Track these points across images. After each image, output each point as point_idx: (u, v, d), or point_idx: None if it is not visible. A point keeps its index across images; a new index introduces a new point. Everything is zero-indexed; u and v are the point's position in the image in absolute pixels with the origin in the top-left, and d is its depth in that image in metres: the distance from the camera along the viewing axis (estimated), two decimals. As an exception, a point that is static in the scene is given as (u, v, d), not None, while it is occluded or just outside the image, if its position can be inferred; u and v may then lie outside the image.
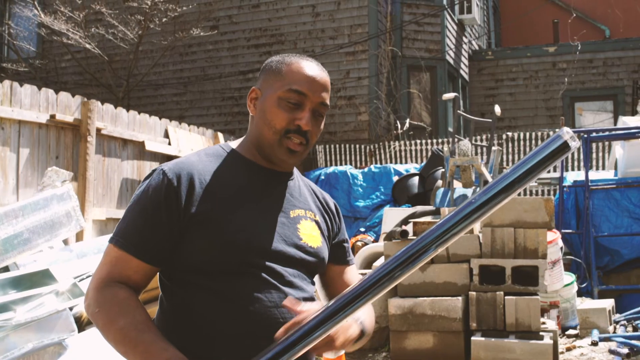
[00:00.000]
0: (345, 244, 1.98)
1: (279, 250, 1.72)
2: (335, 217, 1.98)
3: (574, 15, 16.83)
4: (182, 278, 1.69)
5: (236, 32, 13.50)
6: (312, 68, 1.77)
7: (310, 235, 1.81)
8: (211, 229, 1.66)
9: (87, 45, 11.24)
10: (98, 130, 7.36)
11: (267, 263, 1.69)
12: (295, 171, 1.89)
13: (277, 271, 1.70)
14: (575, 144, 1.36)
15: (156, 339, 1.55)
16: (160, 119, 8.75)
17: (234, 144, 1.85)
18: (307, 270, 1.80)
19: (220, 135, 9.84)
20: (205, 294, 1.65)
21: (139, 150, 8.21)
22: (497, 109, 7.39)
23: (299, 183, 1.89)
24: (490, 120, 7.74)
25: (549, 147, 1.37)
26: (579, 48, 14.50)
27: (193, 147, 9.16)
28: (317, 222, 1.86)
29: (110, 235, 1.75)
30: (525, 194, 10.44)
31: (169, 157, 8.69)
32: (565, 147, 1.35)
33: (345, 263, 1.95)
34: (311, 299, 1.77)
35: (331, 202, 1.99)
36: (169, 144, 8.70)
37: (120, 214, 7.83)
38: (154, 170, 1.74)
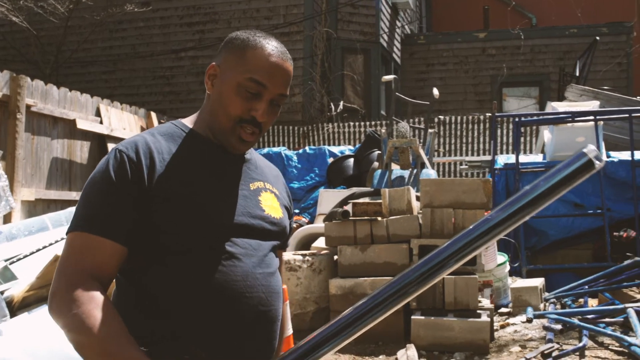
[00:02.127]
0: (290, 225, 1.97)
1: (243, 223, 1.70)
2: (288, 192, 1.99)
3: (503, 2, 17.21)
4: (143, 257, 1.64)
5: (168, 9, 13.24)
6: (276, 56, 1.71)
7: (272, 206, 1.80)
8: (174, 206, 1.62)
9: (15, 19, 10.78)
10: (28, 107, 7.11)
11: (232, 237, 1.67)
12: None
13: (242, 245, 1.68)
14: (600, 163, 1.27)
15: (138, 355, 1.47)
16: (91, 97, 8.50)
17: (187, 121, 1.81)
18: (271, 240, 1.78)
19: (153, 114, 9.65)
20: (169, 272, 1.61)
21: (69, 129, 7.97)
22: (436, 92, 7.49)
23: (254, 156, 1.88)
24: (428, 102, 7.84)
25: (573, 165, 1.28)
26: (509, 35, 14.84)
27: (125, 127, 8.95)
28: (275, 194, 1.85)
29: (68, 225, 1.63)
30: (457, 176, 10.66)
31: (101, 136, 8.48)
32: (589, 165, 1.27)
33: (282, 247, 1.92)
34: (275, 273, 1.76)
35: (282, 177, 1.99)
36: (101, 122, 8.48)
37: (50, 194, 7.60)
38: (110, 152, 1.68)
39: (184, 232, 1.62)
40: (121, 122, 8.89)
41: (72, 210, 6.81)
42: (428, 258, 1.40)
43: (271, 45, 1.72)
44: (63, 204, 7.65)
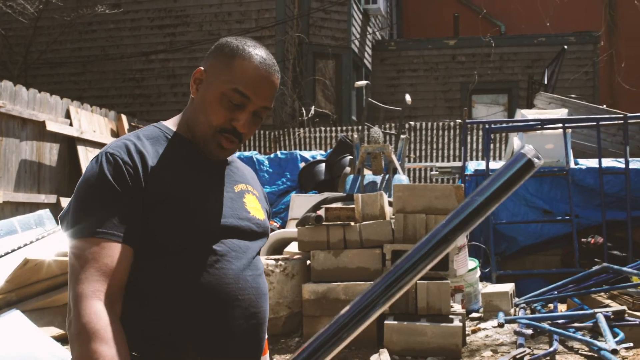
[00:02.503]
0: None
1: (233, 225, 1.71)
2: (265, 195, 2.01)
3: (473, 10, 17.41)
4: (136, 259, 1.61)
5: (139, 11, 13.14)
6: (263, 69, 1.70)
7: (256, 208, 1.82)
8: (167, 208, 1.61)
9: (-18, 18, 10.63)
10: (-4, 108, 7.01)
11: (222, 239, 1.67)
12: None
13: (232, 247, 1.69)
14: (539, 162, 1.29)
15: None
16: (61, 98, 8.40)
17: (170, 123, 1.81)
18: (256, 241, 1.79)
19: (124, 117, 9.56)
20: (161, 274, 1.61)
21: (39, 131, 7.86)
22: (408, 98, 7.54)
23: (234, 159, 1.88)
24: (400, 108, 7.88)
25: (514, 167, 1.28)
26: (478, 43, 15.01)
27: (95, 129, 8.86)
28: (256, 196, 1.87)
29: (70, 236, 1.58)
30: (427, 182, 10.73)
31: (71, 139, 8.37)
32: (529, 165, 1.27)
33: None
34: (262, 275, 1.78)
35: (258, 180, 2.01)
36: (71, 124, 8.38)
37: (19, 197, 7.50)
38: (97, 157, 1.64)
39: (176, 234, 1.62)
40: (91, 125, 8.79)
41: (40, 213, 6.72)
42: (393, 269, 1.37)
43: (259, 57, 1.71)
44: (32, 207, 7.54)
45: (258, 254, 1.81)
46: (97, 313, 1.46)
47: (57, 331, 5.30)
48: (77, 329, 1.45)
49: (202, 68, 1.74)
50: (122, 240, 1.55)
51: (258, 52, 1.72)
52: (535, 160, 1.27)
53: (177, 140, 1.74)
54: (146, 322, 1.59)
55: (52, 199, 7.97)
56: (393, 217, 5.77)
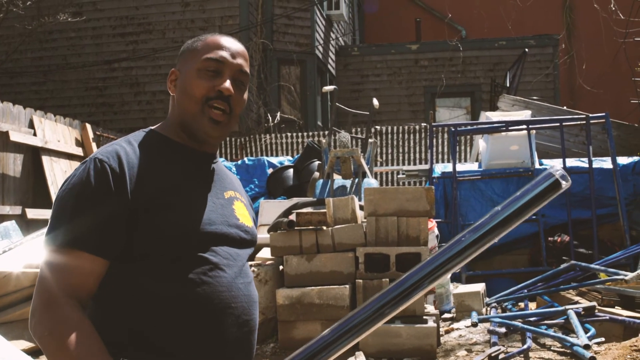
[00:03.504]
0: None
1: (223, 232, 1.70)
2: (250, 202, 2.00)
3: (433, 15, 17.60)
4: (124, 268, 1.60)
5: (101, 19, 13.01)
6: (226, 39, 1.78)
7: (244, 215, 1.82)
8: (157, 217, 1.60)
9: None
10: (-42, 118, 6.87)
11: (213, 247, 1.67)
12: (217, 154, 1.88)
13: (223, 255, 1.68)
14: (566, 183, 1.29)
15: None
16: (24, 108, 8.27)
17: (158, 128, 1.80)
18: (246, 249, 1.80)
19: (88, 126, 9.44)
20: (153, 282, 1.59)
21: (2, 141, 7.72)
22: (376, 102, 7.59)
23: (221, 165, 1.88)
24: (368, 113, 7.93)
25: (541, 185, 1.30)
26: (440, 47, 15.17)
27: (60, 139, 8.73)
28: (244, 203, 1.87)
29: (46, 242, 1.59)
30: (395, 185, 10.79)
31: (35, 149, 8.24)
32: (556, 185, 1.28)
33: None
34: (252, 282, 1.78)
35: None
36: (35, 134, 8.25)
37: (-18, 208, 7.35)
38: (84, 162, 1.64)
39: (166, 242, 1.61)
40: (55, 134, 8.67)
41: (6, 225, 6.60)
42: (403, 279, 1.37)
43: (219, 34, 1.81)
44: (-4, 219, 7.41)
45: (248, 261, 1.81)
46: (66, 314, 1.48)
47: (27, 344, 5.21)
48: (46, 329, 1.48)
49: (174, 69, 1.81)
50: (93, 252, 1.55)
51: (217, 34, 1.82)
52: (563, 182, 1.29)
53: (167, 145, 1.74)
54: (140, 329, 1.58)
55: (17, 210, 7.83)
56: (365, 220, 5.79)
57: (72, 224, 1.56)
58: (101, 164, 1.60)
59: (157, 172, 1.66)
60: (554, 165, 1.32)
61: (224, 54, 1.73)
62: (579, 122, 8.57)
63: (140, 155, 1.66)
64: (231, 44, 1.77)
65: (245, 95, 1.79)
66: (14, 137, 7.78)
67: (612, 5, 12.21)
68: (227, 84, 1.71)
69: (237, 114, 1.77)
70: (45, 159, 8.31)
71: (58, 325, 1.47)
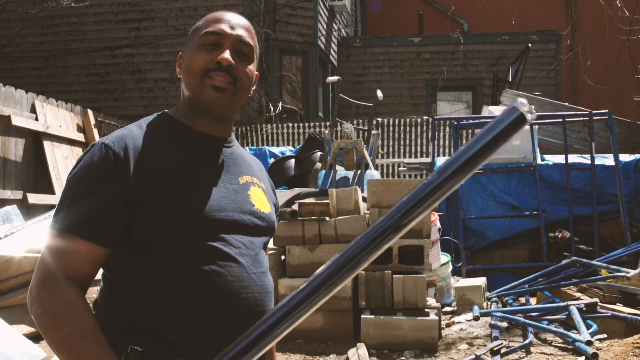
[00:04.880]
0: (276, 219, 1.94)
1: (234, 219, 1.66)
2: (273, 186, 1.95)
3: (436, 9, 17.56)
4: (133, 256, 1.59)
5: (103, 5, 12.94)
6: (227, 13, 1.74)
7: (261, 201, 1.76)
8: (164, 203, 1.57)
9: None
10: (-40, 101, 6.84)
11: (225, 235, 1.63)
12: (234, 137, 1.83)
13: (235, 244, 1.64)
14: (532, 116, 1.25)
15: (103, 353, 1.45)
16: (26, 92, 8.23)
17: (172, 112, 1.77)
18: (261, 236, 1.75)
19: (90, 112, 9.40)
20: (159, 272, 1.57)
21: (4, 126, 7.68)
22: (379, 94, 7.57)
23: (239, 149, 1.83)
24: (371, 104, 7.91)
25: (505, 120, 1.25)
26: (443, 40, 15.14)
27: (61, 124, 8.70)
28: (262, 189, 1.81)
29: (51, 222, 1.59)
30: (396, 177, 10.78)
31: (37, 134, 8.21)
32: (521, 120, 1.23)
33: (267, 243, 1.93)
34: (266, 272, 1.74)
35: (265, 172, 1.96)
36: (36, 119, 8.21)
37: (-17, 192, 7.33)
38: (92, 145, 1.62)
39: (172, 230, 1.57)
40: (57, 120, 8.63)
41: (8, 209, 6.59)
42: (378, 223, 1.34)
43: (222, 11, 1.77)
44: (-3, 203, 7.39)
45: (264, 249, 1.77)
46: (60, 292, 1.48)
47: (28, 329, 5.20)
48: (40, 306, 1.48)
49: (181, 52, 1.79)
50: (89, 239, 1.54)
51: (220, 11, 1.78)
52: (528, 115, 1.25)
53: (178, 129, 1.70)
54: (147, 318, 1.56)
55: (18, 194, 7.80)
56: (367, 212, 5.78)
57: (72, 209, 1.55)
58: (106, 149, 1.58)
59: (164, 157, 1.62)
60: (519, 99, 1.28)
61: (222, 26, 1.70)
62: (581, 119, 8.57)
63: (148, 140, 1.63)
64: (232, 17, 1.73)
65: (252, 67, 1.74)
66: (16, 121, 7.74)
67: (617, 2, 12.18)
68: (226, 54, 1.67)
69: (245, 85, 1.71)
70: (47, 144, 8.28)
71: (52, 303, 1.48)
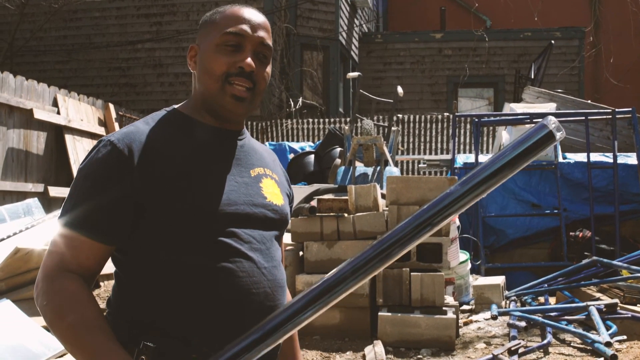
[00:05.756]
0: (291, 210, 1.93)
1: (245, 212, 1.64)
2: (287, 178, 1.94)
3: (458, 4, 17.45)
4: (142, 253, 1.59)
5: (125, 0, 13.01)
6: (247, 10, 1.70)
7: (273, 193, 1.75)
8: (173, 199, 1.56)
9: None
10: (-17, 95, 6.91)
11: (235, 229, 1.61)
12: (246, 130, 1.82)
13: (246, 238, 1.63)
14: (560, 134, 1.28)
15: (106, 340, 1.46)
16: (48, 86, 8.30)
17: (181, 107, 1.76)
18: (274, 229, 1.74)
19: (111, 106, 9.47)
20: (171, 268, 1.57)
21: (26, 119, 7.75)
22: (400, 90, 7.54)
23: (251, 141, 1.82)
24: (392, 100, 7.88)
25: (534, 137, 1.28)
26: (465, 36, 15.05)
27: (83, 118, 8.77)
28: (275, 180, 1.80)
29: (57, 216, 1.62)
30: (415, 174, 10.74)
31: (58, 127, 8.28)
32: (550, 137, 1.27)
33: (282, 235, 1.90)
34: (278, 266, 1.72)
35: (279, 163, 1.95)
36: (58, 112, 8.28)
37: (6, 186, 7.41)
38: (99, 142, 1.61)
39: (182, 225, 1.57)
40: (79, 113, 8.70)
41: (29, 202, 6.65)
42: (392, 233, 1.43)
43: (239, 5, 1.73)
44: (19, 196, 7.45)
45: (278, 242, 1.76)
46: (63, 285, 1.51)
47: (47, 321, 5.24)
48: (45, 299, 1.50)
49: (194, 44, 1.75)
50: (92, 237, 1.55)
51: (236, 5, 1.74)
52: (557, 133, 1.27)
53: (187, 124, 1.69)
54: (159, 314, 1.56)
55: (39, 187, 7.88)
56: (386, 208, 5.76)
57: (76, 206, 1.57)
58: (111, 146, 1.57)
59: (172, 153, 1.61)
60: (549, 116, 1.29)
61: (245, 27, 1.66)
62: (604, 117, 8.48)
63: (155, 136, 1.62)
64: (252, 15, 1.69)
65: (269, 69, 1.72)
66: (38, 114, 7.81)
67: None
68: (249, 59, 1.64)
69: (262, 90, 1.70)
70: (68, 138, 8.34)
71: (55, 294, 1.50)
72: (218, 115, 1.69)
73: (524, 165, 1.32)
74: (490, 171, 1.31)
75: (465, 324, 5.64)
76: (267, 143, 10.38)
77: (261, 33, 1.68)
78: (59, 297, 1.50)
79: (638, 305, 5.28)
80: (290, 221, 5.79)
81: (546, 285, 6.31)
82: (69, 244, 1.55)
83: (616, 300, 5.11)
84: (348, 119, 10.91)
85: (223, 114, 1.68)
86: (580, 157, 8.25)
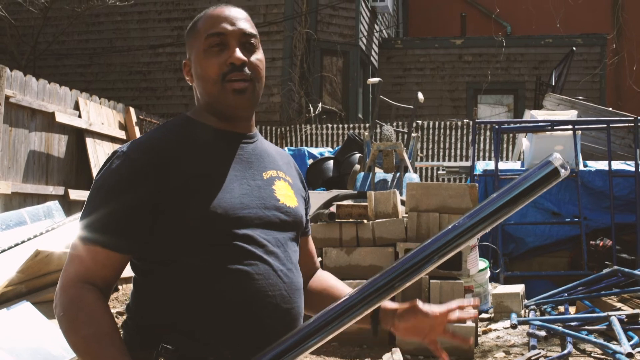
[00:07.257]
0: (307, 212, 1.94)
1: (258, 216, 1.65)
2: (302, 179, 1.94)
3: (478, 10, 17.39)
4: (158, 258, 1.61)
5: (147, 4, 13.10)
6: (221, 9, 1.72)
7: (287, 195, 1.75)
8: (187, 205, 1.58)
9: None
10: (7, 98, 6.95)
11: (249, 232, 1.62)
12: (257, 132, 1.82)
13: (259, 241, 1.63)
14: (565, 171, 1.31)
15: (118, 355, 1.48)
16: (70, 90, 8.36)
17: (191, 114, 1.78)
18: (289, 231, 1.74)
19: (132, 110, 9.52)
20: (188, 272, 1.58)
21: (48, 122, 7.81)
22: (420, 96, 7.52)
23: (263, 144, 1.82)
24: (412, 106, 7.86)
25: (539, 174, 1.32)
26: (485, 42, 14.99)
27: (104, 121, 8.83)
28: (289, 182, 1.80)
29: (78, 226, 1.63)
30: (435, 181, 10.70)
31: (79, 130, 8.34)
32: (554, 174, 1.30)
33: (305, 234, 1.92)
34: (295, 268, 1.72)
35: (295, 164, 1.95)
36: (79, 116, 8.34)
37: (27, 188, 7.47)
38: (113, 154, 1.64)
39: (198, 232, 1.58)
40: (100, 117, 8.76)
41: (50, 205, 6.70)
42: (399, 263, 1.51)
43: (215, 6, 1.75)
44: (39, 199, 7.51)
45: (294, 243, 1.76)
46: (79, 296, 1.54)
47: (67, 323, 5.27)
48: (61, 310, 1.53)
49: (185, 60, 1.78)
50: (108, 247, 1.57)
51: (211, 7, 1.75)
52: (562, 170, 1.28)
53: (198, 129, 1.71)
54: (176, 317, 1.57)
55: (60, 190, 7.93)
56: (406, 215, 5.74)
57: (91, 217, 1.59)
58: (125, 157, 1.60)
59: (185, 159, 1.62)
60: (554, 153, 1.31)
61: (223, 24, 1.68)
62: (626, 124, 8.41)
63: (168, 144, 1.64)
64: (228, 11, 1.71)
65: (260, 55, 1.73)
66: (60, 118, 7.87)
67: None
68: (237, 53, 1.66)
69: (260, 76, 1.72)
70: (89, 141, 8.40)
71: (71, 306, 1.53)
72: (226, 116, 1.70)
73: (529, 201, 1.35)
74: (495, 206, 1.36)
75: (484, 332, 5.60)
76: (286, 148, 10.39)
77: (241, 24, 1.70)
78: (75, 309, 1.53)
79: (660, 316, 5.21)
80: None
81: (566, 294, 6.25)
82: (86, 254, 1.58)
83: (638, 311, 5.05)
84: (368, 125, 10.91)
85: (230, 112, 1.70)
86: (602, 165, 8.18)
